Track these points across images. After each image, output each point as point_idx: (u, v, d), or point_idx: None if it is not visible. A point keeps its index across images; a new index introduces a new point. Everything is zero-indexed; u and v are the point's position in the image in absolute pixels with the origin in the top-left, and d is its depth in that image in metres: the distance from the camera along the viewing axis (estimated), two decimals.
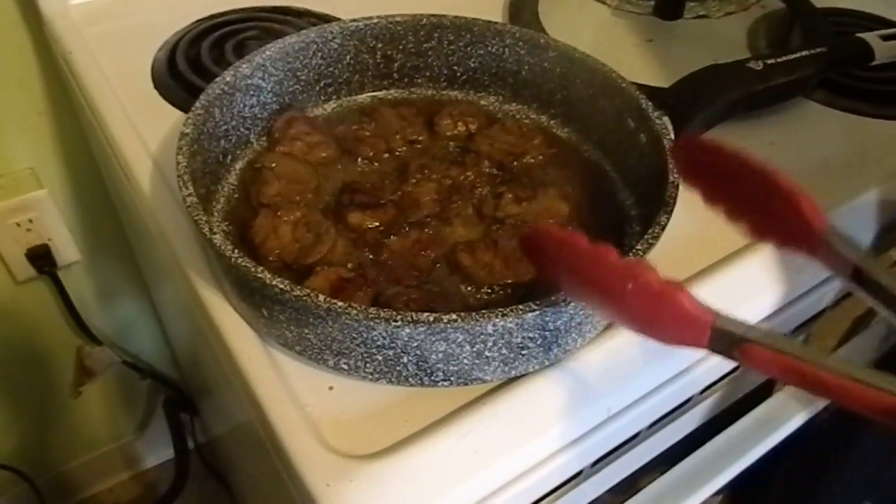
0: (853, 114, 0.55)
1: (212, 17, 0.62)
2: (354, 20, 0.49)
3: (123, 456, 1.10)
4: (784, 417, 0.46)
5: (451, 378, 0.35)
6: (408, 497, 0.33)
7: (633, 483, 0.49)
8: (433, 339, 0.32)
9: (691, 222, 0.45)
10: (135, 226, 0.64)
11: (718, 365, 0.44)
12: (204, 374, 0.67)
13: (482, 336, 0.33)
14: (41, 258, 0.79)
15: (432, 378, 0.35)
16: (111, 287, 0.90)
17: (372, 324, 0.32)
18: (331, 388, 0.36)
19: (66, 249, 0.81)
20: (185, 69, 0.55)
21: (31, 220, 0.76)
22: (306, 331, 0.34)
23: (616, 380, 0.39)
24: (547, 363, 0.36)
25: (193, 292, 0.40)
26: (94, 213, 0.81)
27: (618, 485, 0.48)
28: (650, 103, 0.43)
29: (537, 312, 0.32)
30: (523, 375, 0.36)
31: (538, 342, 0.34)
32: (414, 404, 0.36)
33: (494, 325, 0.32)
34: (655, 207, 0.37)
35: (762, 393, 0.53)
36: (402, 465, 0.33)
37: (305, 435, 0.34)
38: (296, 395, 0.36)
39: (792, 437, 0.48)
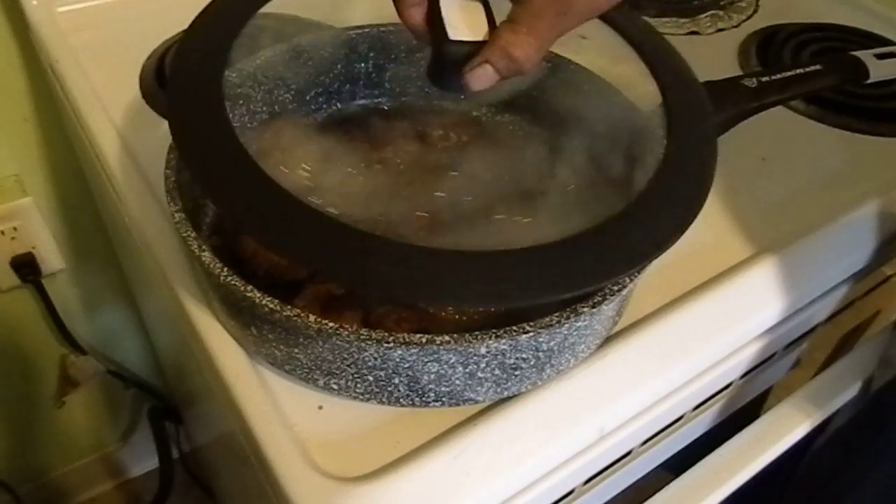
0: (845, 130, 0.55)
1: None
2: (346, 29, 0.48)
3: (107, 465, 1.09)
4: (779, 435, 0.46)
5: (443, 399, 0.34)
6: None
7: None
8: (425, 360, 0.32)
9: (683, 239, 0.45)
10: (121, 236, 0.63)
11: (711, 382, 0.44)
12: (189, 386, 0.66)
13: (475, 357, 0.32)
14: (25, 266, 0.78)
15: (424, 399, 0.34)
16: (96, 296, 0.89)
17: (363, 345, 0.31)
18: (320, 407, 0.36)
19: (51, 258, 0.80)
20: None
21: (15, 228, 0.75)
22: (296, 350, 0.34)
23: (609, 399, 0.38)
24: (539, 383, 0.36)
25: (180, 306, 0.40)
26: (79, 222, 0.80)
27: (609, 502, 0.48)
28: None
29: (531, 334, 0.31)
30: (515, 396, 0.36)
31: (531, 363, 0.34)
32: (405, 425, 0.35)
33: (488, 346, 0.32)
34: None
35: (755, 410, 0.53)
36: (393, 487, 0.33)
37: (294, 456, 0.33)
38: (284, 414, 0.35)
39: (788, 464, 0.47)
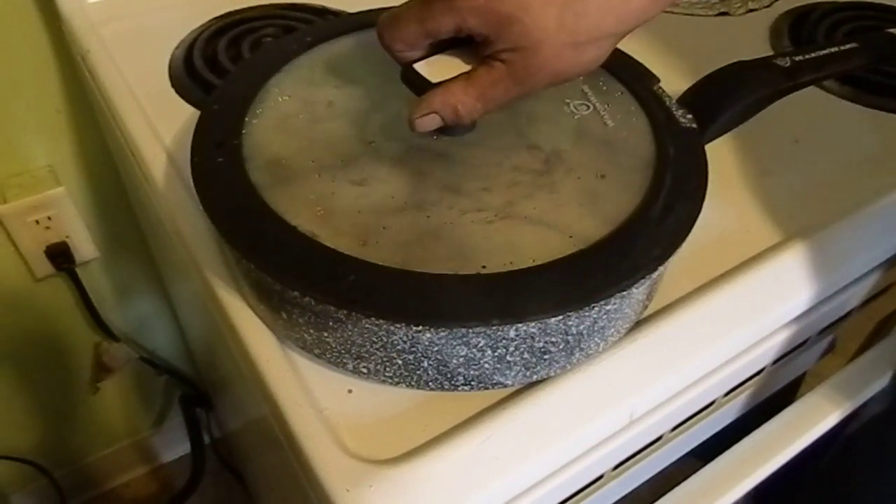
0: (881, 110, 0.54)
1: (229, 14, 0.61)
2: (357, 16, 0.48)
3: (140, 451, 1.11)
4: (813, 421, 0.46)
5: (472, 382, 0.34)
6: (428, 503, 0.32)
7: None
8: (454, 343, 0.32)
9: (714, 222, 0.44)
10: (152, 224, 0.64)
11: (743, 367, 0.44)
12: (220, 372, 0.67)
13: (504, 341, 0.32)
14: (60, 255, 0.79)
15: (452, 382, 0.34)
16: (128, 284, 0.90)
17: (392, 328, 0.31)
18: (350, 391, 0.36)
19: (84, 247, 0.81)
20: (202, 67, 0.55)
21: (49, 218, 0.76)
22: (325, 334, 0.34)
23: (639, 384, 0.38)
24: (569, 367, 0.36)
25: (211, 292, 0.40)
26: (111, 211, 0.82)
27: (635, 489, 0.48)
28: (674, 101, 0.42)
29: (560, 317, 0.31)
30: (544, 380, 0.36)
31: (560, 346, 0.34)
32: (434, 408, 0.35)
33: (517, 329, 0.32)
34: None
35: (787, 396, 0.52)
36: (422, 470, 0.33)
37: (324, 439, 0.33)
38: (314, 398, 0.35)
39: (820, 447, 0.47)
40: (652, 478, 0.48)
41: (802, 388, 0.58)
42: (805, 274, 0.43)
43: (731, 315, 0.41)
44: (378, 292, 0.31)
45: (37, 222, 0.76)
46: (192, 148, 0.38)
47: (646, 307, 0.39)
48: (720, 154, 0.49)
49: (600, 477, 0.41)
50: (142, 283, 0.91)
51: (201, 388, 1.04)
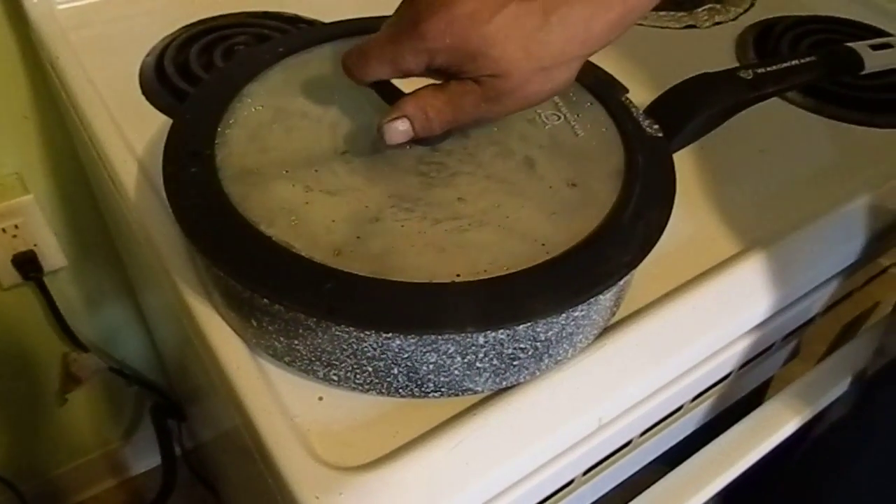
0: (842, 122, 0.55)
1: (201, 22, 0.61)
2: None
3: (110, 463, 1.09)
4: (775, 426, 0.46)
5: (442, 389, 0.35)
6: None
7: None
8: (424, 350, 0.32)
9: (681, 230, 0.45)
10: (122, 232, 0.63)
11: (710, 372, 0.45)
12: (191, 381, 0.66)
13: (473, 347, 0.32)
14: (27, 264, 0.78)
15: (423, 389, 0.35)
16: (98, 293, 0.89)
17: (362, 335, 0.31)
18: (320, 398, 0.36)
19: (53, 255, 0.80)
20: (174, 75, 0.55)
21: (16, 226, 0.75)
22: (295, 342, 0.34)
23: (607, 389, 0.38)
24: (538, 373, 0.36)
25: (181, 300, 0.40)
26: (80, 219, 0.81)
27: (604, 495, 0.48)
28: (641, 112, 0.43)
29: (529, 324, 0.32)
30: (514, 386, 0.36)
31: (530, 353, 0.34)
32: (404, 415, 0.35)
33: (486, 336, 0.32)
34: None
35: (754, 401, 0.53)
36: (393, 476, 0.33)
37: (294, 446, 0.33)
38: (285, 405, 0.35)
39: (785, 451, 0.48)
40: (622, 482, 0.49)
41: (770, 393, 0.59)
42: (769, 280, 0.44)
43: (698, 321, 0.42)
44: (355, 301, 0.31)
45: (3, 230, 0.75)
46: (165, 157, 0.38)
47: (613, 313, 0.39)
48: (687, 164, 0.50)
49: (570, 482, 0.42)
50: (111, 292, 0.90)
51: (173, 399, 1.03)
